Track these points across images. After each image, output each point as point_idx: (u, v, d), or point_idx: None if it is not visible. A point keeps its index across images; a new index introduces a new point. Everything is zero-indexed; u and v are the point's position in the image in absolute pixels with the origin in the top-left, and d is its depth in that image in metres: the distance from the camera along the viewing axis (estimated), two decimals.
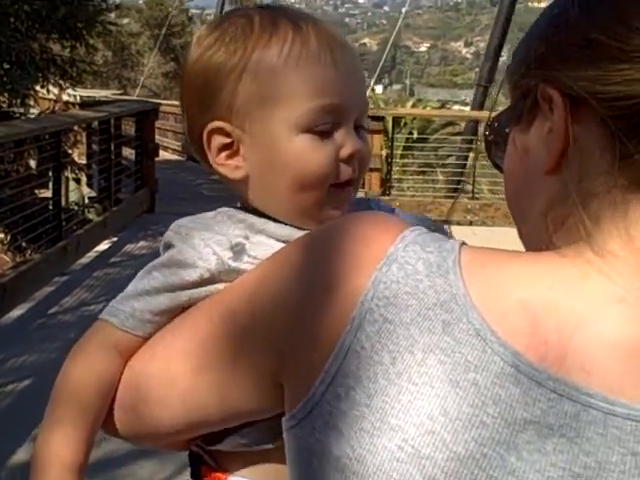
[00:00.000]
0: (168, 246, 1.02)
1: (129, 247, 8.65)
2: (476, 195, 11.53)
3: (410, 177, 13.90)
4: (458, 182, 12.85)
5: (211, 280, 0.98)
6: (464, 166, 12.79)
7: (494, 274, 0.76)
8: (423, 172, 14.40)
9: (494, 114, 0.94)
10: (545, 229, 0.80)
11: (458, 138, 14.39)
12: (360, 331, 0.75)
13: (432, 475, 0.71)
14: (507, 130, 0.86)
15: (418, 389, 0.72)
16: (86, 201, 11.12)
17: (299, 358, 0.79)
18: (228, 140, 1.03)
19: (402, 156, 13.53)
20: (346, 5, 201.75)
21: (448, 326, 0.72)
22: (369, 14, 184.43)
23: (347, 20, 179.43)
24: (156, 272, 1.00)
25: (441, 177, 14.13)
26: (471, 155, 12.04)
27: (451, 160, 13.97)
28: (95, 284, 7.30)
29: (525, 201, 0.83)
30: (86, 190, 11.68)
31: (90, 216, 9.93)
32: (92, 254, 8.34)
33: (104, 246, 8.71)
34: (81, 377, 1.00)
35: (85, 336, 1.03)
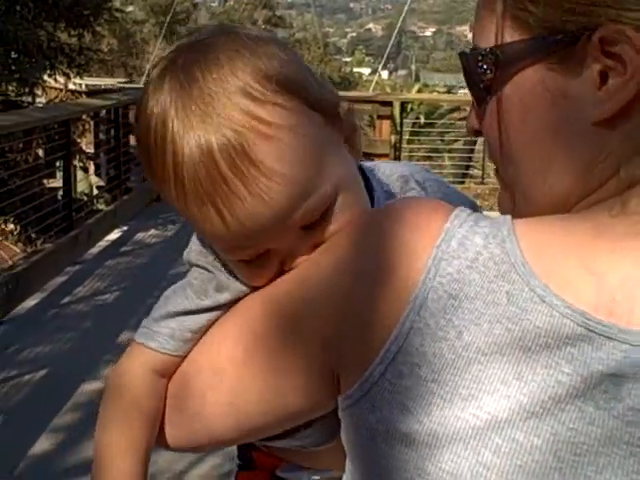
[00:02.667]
0: (194, 265, 0.99)
1: (140, 235, 8.63)
2: (484, 180, 11.49)
3: (418, 162, 13.86)
4: (466, 167, 12.84)
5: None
6: (472, 151, 12.77)
7: (550, 240, 0.75)
8: (430, 157, 14.36)
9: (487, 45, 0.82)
10: (582, 184, 0.78)
11: (465, 123, 14.34)
12: (423, 309, 0.75)
13: (511, 436, 0.71)
14: (519, 64, 0.79)
15: (487, 358, 0.72)
16: (95, 190, 11.11)
17: (354, 342, 0.79)
18: None
19: (409, 141, 13.48)
20: None
21: (512, 296, 0.73)
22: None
23: (352, 5, 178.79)
24: (190, 292, 0.97)
25: (448, 162, 14.09)
26: (480, 140, 11.98)
27: (458, 145, 13.93)
28: (107, 273, 7.29)
29: (556, 152, 0.78)
30: (94, 179, 11.66)
31: (99, 206, 9.92)
32: (103, 243, 8.33)
33: (115, 235, 8.70)
34: (127, 409, 0.97)
35: (122, 363, 1.00)
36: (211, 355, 0.92)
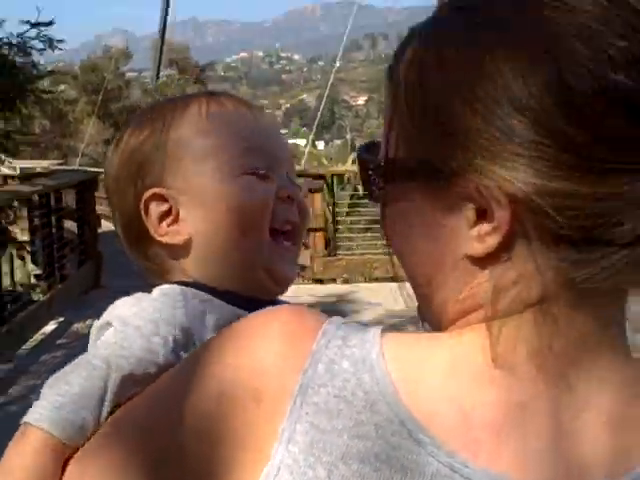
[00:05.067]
0: (106, 329, 0.97)
1: (76, 327, 8.33)
2: None
3: (358, 235, 13.82)
4: None
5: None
6: None
7: (420, 366, 0.73)
8: (370, 229, 14.36)
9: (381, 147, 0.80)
10: (458, 307, 0.76)
11: None
12: (292, 444, 0.70)
13: None
14: (402, 183, 0.76)
15: None
16: (32, 280, 10.84)
17: (223, 475, 0.73)
18: (166, 207, 1.05)
19: (348, 214, 13.45)
20: (282, 62, 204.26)
21: (381, 429, 0.70)
22: (305, 70, 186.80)
23: (284, 77, 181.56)
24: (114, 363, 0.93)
25: None
26: None
27: None
28: (42, 369, 6.99)
29: (434, 274, 0.77)
30: (31, 267, 11.38)
31: (35, 296, 9.64)
32: (38, 336, 8.05)
33: (50, 327, 8.42)
34: None
35: (15, 453, 0.90)
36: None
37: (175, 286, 1.02)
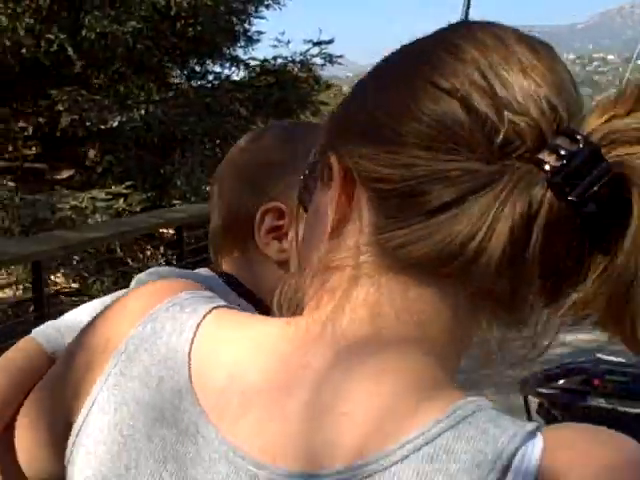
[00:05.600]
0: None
1: None
2: None
3: None
4: None
5: None
6: None
7: (223, 337, 0.76)
8: None
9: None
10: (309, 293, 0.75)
11: None
12: (106, 384, 0.77)
13: None
14: (310, 181, 0.81)
15: (125, 441, 0.75)
16: None
17: (78, 412, 0.79)
18: (280, 223, 1.11)
19: None
20: (594, 63, 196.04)
21: (162, 382, 0.75)
22: (620, 69, 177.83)
23: (596, 78, 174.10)
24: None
25: None
26: None
27: None
28: None
29: (306, 257, 0.78)
30: None
31: None
32: None
33: None
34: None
35: (7, 356, 1.06)
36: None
37: (213, 275, 1.16)
